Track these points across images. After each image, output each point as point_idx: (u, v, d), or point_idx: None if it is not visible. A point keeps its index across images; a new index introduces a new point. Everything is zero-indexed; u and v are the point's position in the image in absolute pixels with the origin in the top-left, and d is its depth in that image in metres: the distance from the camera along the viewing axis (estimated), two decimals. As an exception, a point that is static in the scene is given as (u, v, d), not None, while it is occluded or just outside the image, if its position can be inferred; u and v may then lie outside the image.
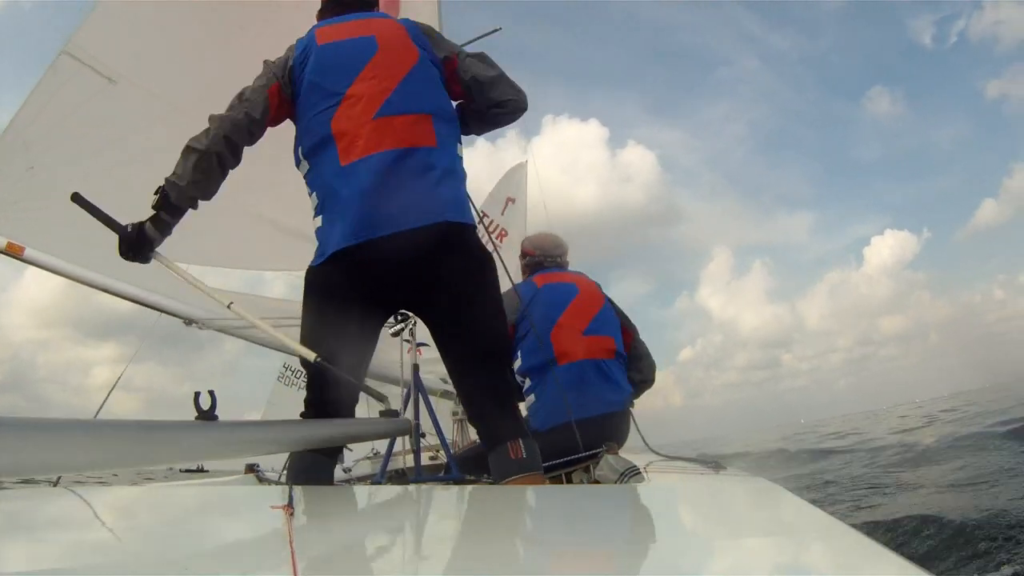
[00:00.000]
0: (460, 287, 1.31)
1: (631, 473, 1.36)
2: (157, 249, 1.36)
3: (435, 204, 1.27)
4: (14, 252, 2.12)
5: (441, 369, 2.17)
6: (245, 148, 1.39)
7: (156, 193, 1.34)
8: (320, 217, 1.33)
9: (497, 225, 9.55)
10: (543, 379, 2.03)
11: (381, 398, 1.27)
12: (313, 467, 1.32)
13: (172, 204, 1.33)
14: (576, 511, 0.84)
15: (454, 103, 1.44)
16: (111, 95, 2.47)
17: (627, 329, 2.23)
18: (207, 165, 1.33)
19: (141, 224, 1.34)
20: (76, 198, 1.40)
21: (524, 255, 2.37)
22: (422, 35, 1.44)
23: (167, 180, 1.34)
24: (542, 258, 2.30)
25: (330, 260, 1.29)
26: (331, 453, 1.39)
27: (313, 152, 1.34)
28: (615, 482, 1.37)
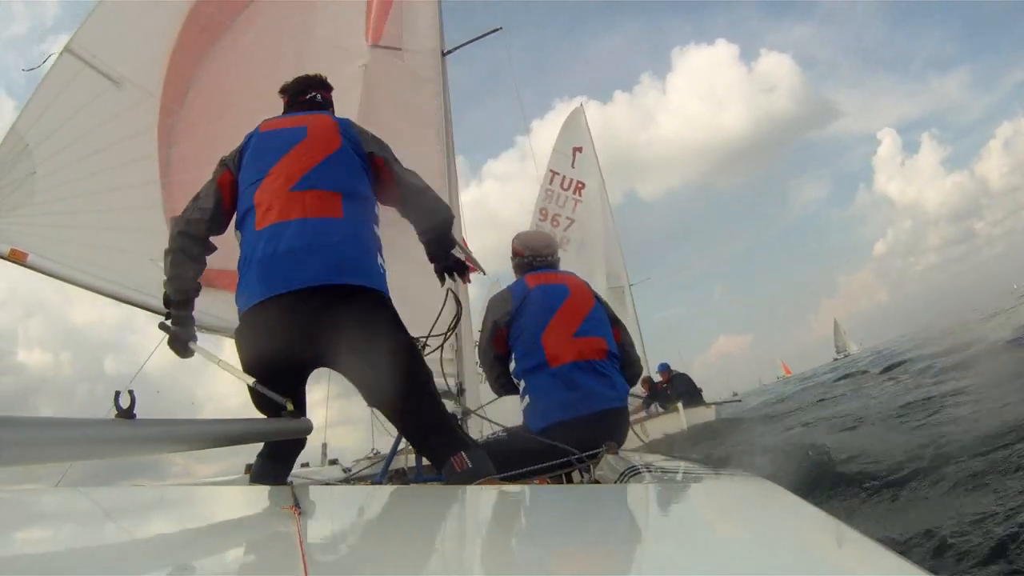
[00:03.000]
0: (358, 341, 1.44)
1: (631, 473, 1.36)
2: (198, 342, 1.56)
3: (330, 267, 1.42)
4: (17, 259, 2.13)
5: (439, 369, 2.19)
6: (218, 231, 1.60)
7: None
8: (240, 279, 1.50)
9: (571, 180, 9.37)
10: (536, 382, 2.04)
11: (284, 403, 1.34)
12: (269, 474, 1.52)
13: (171, 300, 1.54)
14: (576, 511, 0.85)
15: (373, 191, 1.62)
16: (114, 97, 2.47)
17: (616, 327, 2.24)
18: (176, 260, 1.54)
19: (164, 325, 1.55)
20: (162, 327, 1.58)
21: (514, 255, 2.39)
22: (353, 131, 1.62)
23: (163, 283, 1.56)
24: (531, 258, 2.30)
25: (245, 317, 1.47)
26: (286, 461, 1.58)
27: (240, 222, 1.54)
28: (615, 482, 1.37)
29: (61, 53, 2.37)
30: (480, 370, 2.57)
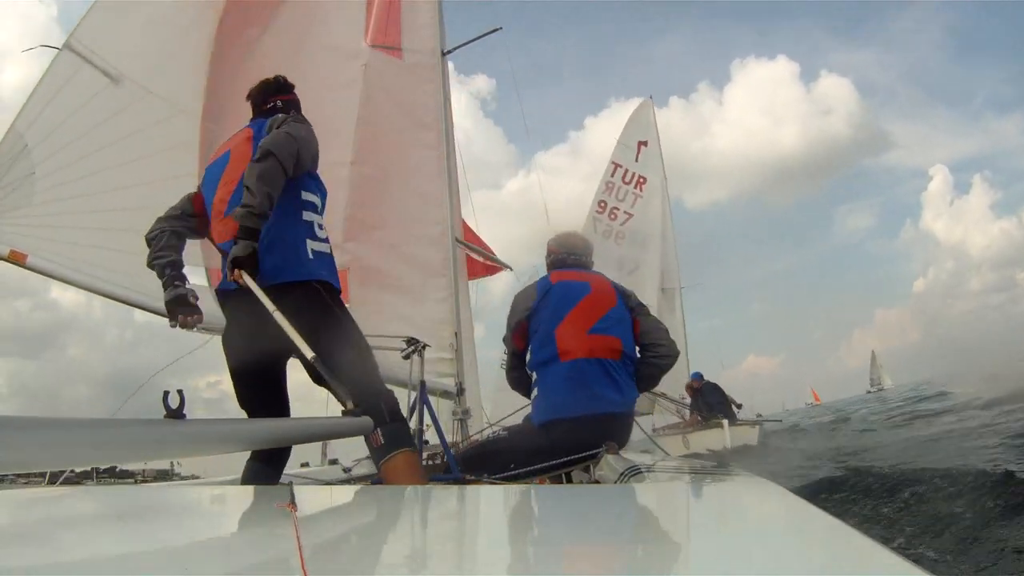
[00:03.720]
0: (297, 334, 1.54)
1: (631, 473, 1.36)
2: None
3: (264, 273, 1.54)
4: (17, 260, 2.14)
5: (439, 369, 2.20)
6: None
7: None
8: None
9: (633, 174, 9.28)
10: (546, 374, 2.04)
11: (344, 401, 1.39)
12: (259, 478, 1.59)
13: (160, 271, 1.66)
14: (576, 511, 0.85)
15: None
16: (113, 95, 2.47)
17: (638, 316, 2.20)
18: (151, 234, 1.71)
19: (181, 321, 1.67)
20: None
21: (549, 253, 2.38)
22: (265, 131, 1.70)
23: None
24: (565, 255, 2.30)
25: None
26: (276, 465, 1.67)
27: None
28: (615, 482, 1.37)
29: (61, 49, 2.36)
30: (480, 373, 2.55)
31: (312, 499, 0.84)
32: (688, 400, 8.68)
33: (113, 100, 2.46)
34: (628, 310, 2.20)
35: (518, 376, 2.19)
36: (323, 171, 3.12)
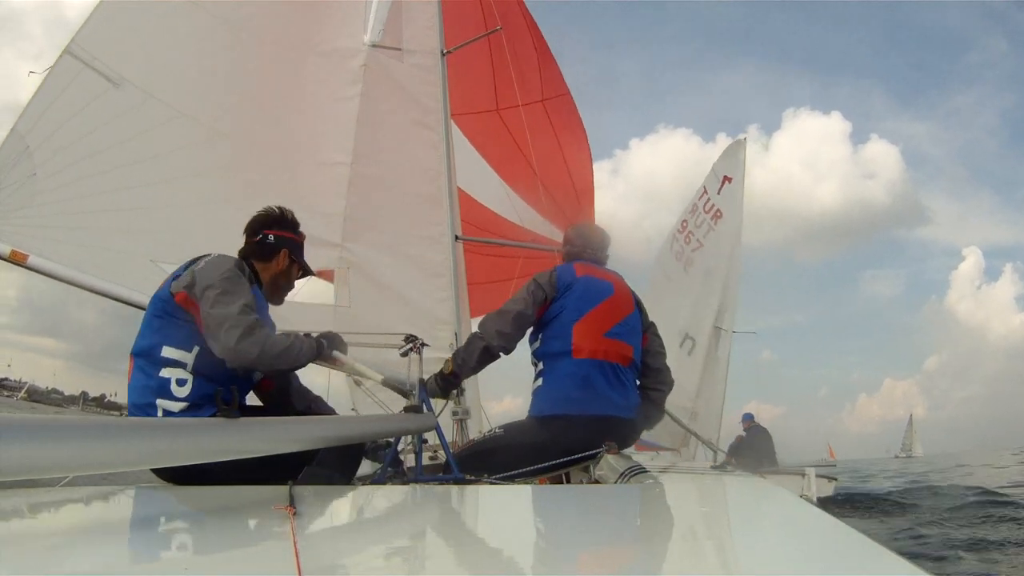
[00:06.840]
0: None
1: (631, 473, 1.36)
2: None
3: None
4: (18, 260, 2.13)
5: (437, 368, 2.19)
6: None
7: None
8: None
9: (713, 205, 9.25)
10: (554, 367, 2.02)
11: (407, 395, 1.26)
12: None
13: None
14: (576, 511, 0.85)
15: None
16: (114, 98, 2.47)
17: (647, 333, 2.18)
18: None
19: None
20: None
21: (566, 243, 2.31)
22: (182, 274, 1.61)
23: None
24: (581, 250, 2.24)
25: None
26: (347, 471, 1.47)
27: None
28: (615, 482, 1.37)
29: (61, 55, 2.37)
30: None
31: (311, 500, 0.84)
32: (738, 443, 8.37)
33: (113, 104, 2.46)
34: (641, 319, 2.19)
35: (503, 344, 2.01)
36: (323, 171, 3.11)
